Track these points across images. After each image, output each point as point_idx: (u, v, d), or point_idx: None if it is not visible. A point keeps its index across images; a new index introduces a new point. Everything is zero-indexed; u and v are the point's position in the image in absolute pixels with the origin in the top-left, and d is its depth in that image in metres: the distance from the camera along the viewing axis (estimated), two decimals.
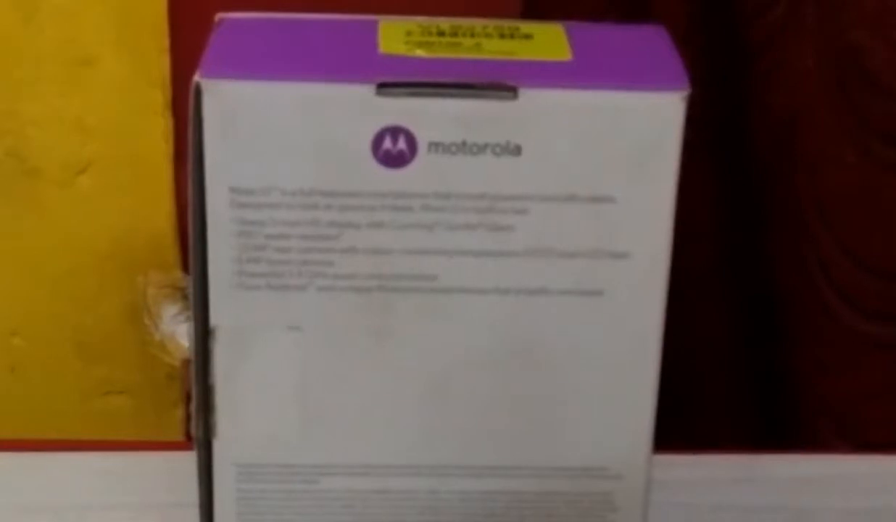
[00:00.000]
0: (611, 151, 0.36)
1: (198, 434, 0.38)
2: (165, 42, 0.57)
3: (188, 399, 0.60)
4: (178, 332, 0.58)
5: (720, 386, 0.64)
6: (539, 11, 0.56)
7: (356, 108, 0.35)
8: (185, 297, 0.58)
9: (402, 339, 0.37)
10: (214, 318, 0.37)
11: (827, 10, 0.55)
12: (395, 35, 0.37)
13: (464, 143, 0.36)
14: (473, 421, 0.38)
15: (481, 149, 0.36)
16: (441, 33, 0.37)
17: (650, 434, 0.38)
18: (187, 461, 0.39)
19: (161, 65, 0.57)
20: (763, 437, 0.63)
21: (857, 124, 0.56)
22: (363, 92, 0.35)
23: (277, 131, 0.35)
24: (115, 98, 0.58)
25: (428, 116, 0.35)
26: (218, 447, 0.38)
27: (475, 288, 0.37)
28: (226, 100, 0.35)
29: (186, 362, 0.58)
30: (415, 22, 0.38)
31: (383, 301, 0.37)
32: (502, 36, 0.37)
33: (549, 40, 0.37)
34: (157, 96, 0.58)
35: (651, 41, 0.38)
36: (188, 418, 0.37)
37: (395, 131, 0.35)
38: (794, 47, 0.55)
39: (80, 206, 0.59)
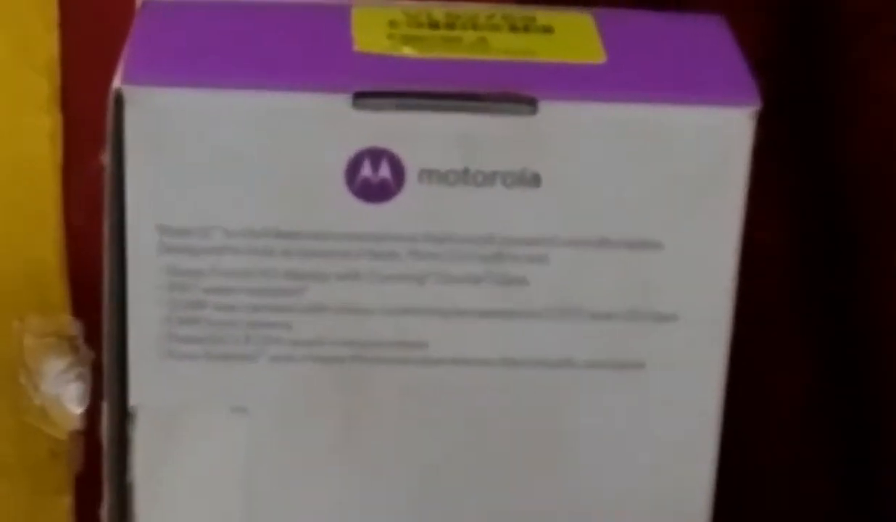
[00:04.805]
0: (656, 184, 0.36)
1: None
2: (54, 15, 0.57)
3: (76, 484, 0.60)
4: (65, 395, 0.58)
5: (800, 452, 0.65)
6: None
7: (325, 125, 0.36)
8: (73, 349, 0.58)
9: (381, 426, 0.38)
10: (135, 397, 0.37)
11: None
12: (374, 26, 0.37)
13: (466, 171, 0.36)
14: None
15: (488, 178, 0.36)
16: (434, 24, 0.38)
17: None
18: None
19: (47, 45, 0.57)
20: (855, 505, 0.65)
21: None
22: (335, 104, 0.36)
23: (221, 154, 0.36)
24: None
25: (419, 136, 0.36)
26: None
27: (477, 360, 0.37)
28: (155, 114, 0.35)
29: (75, 434, 0.58)
30: (399, 8, 0.38)
31: (357, 375, 0.37)
32: (514, 29, 0.38)
33: (576, 35, 0.38)
34: (42, 85, 0.58)
35: (707, 36, 0.38)
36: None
37: (376, 155, 0.36)
38: None
39: None
